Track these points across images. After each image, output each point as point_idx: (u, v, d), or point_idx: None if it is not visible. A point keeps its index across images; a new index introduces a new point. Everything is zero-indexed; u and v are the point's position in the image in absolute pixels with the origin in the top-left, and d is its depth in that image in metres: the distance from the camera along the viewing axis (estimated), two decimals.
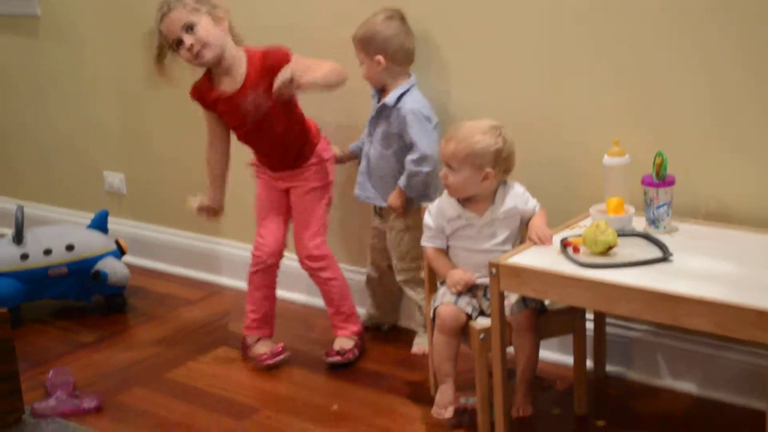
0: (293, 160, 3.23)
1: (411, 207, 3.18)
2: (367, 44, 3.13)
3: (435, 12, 3.20)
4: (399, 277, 3.30)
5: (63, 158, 4.58)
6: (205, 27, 3.05)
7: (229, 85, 3.12)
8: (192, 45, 3.03)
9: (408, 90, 3.14)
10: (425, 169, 3.09)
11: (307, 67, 2.98)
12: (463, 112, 3.09)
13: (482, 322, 2.74)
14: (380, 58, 3.11)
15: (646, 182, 2.69)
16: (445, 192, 2.83)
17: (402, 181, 3.15)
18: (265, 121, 3.13)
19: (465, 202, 2.82)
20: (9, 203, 4.74)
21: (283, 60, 3.02)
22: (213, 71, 3.14)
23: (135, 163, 4.31)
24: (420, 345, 3.30)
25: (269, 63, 3.06)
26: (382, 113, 3.17)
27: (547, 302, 2.76)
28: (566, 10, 2.93)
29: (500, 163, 2.76)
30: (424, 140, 3.09)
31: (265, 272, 3.32)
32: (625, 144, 2.76)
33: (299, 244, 3.29)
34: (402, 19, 3.14)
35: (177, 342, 3.56)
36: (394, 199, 3.18)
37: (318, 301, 3.52)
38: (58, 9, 4.36)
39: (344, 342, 3.32)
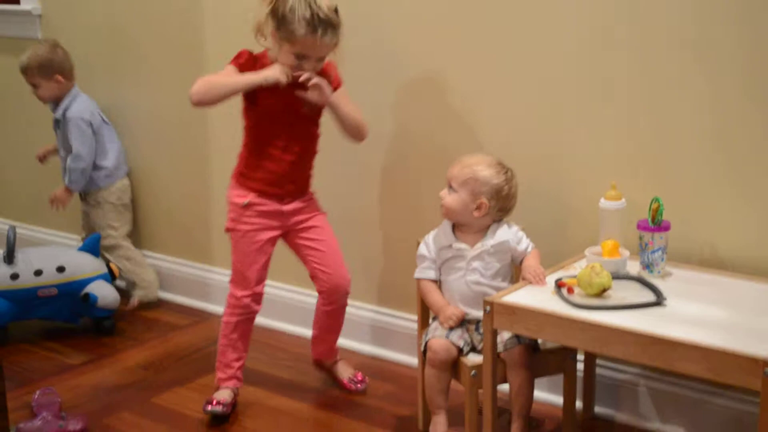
0: (305, 185, 3.17)
1: (87, 192, 4.09)
2: (45, 68, 3.98)
3: (436, 48, 3.25)
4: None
5: (57, 180, 4.56)
6: (325, 62, 3.00)
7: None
8: (304, 73, 2.92)
9: (71, 101, 4.01)
10: (80, 165, 3.96)
11: (343, 97, 3.06)
12: (457, 150, 3.12)
13: (473, 359, 2.75)
14: (59, 77, 3.98)
15: (642, 227, 2.72)
16: (443, 223, 2.88)
17: (66, 179, 4.00)
18: (309, 124, 3.08)
19: (458, 233, 2.86)
20: (1, 223, 4.74)
21: (337, 82, 3.06)
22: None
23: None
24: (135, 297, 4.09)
25: (328, 72, 3.04)
26: (58, 124, 4.04)
27: (539, 341, 2.78)
28: (569, 50, 2.98)
29: (497, 200, 2.80)
30: (79, 142, 3.95)
31: (251, 320, 3.23)
32: (622, 188, 2.79)
33: (340, 277, 3.19)
34: (60, 45, 4.05)
35: (165, 367, 3.55)
36: (60, 193, 4.04)
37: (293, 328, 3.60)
38: (59, 33, 4.38)
39: (348, 368, 3.37)
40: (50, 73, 4.00)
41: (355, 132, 3.11)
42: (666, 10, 2.78)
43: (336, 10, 2.92)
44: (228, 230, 3.18)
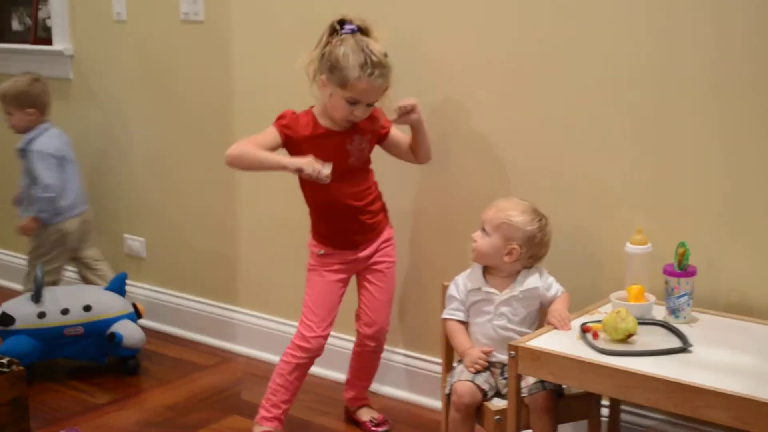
0: (375, 228, 3.19)
1: (46, 227, 4.09)
2: (20, 99, 4.07)
3: (467, 90, 3.27)
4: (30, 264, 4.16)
5: None
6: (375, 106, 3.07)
7: (336, 126, 3.06)
8: (358, 118, 3.01)
9: (39, 134, 4.07)
10: (48, 195, 4.01)
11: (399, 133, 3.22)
12: (485, 192, 3.13)
13: (497, 404, 2.74)
14: (31, 110, 4.09)
15: (668, 272, 2.70)
16: (473, 266, 2.89)
17: (34, 209, 4.05)
18: (357, 171, 3.11)
19: (488, 276, 2.86)
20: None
21: (386, 120, 3.15)
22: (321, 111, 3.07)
23: (156, 228, 4.35)
24: None
25: (375, 115, 3.10)
26: (22, 154, 4.07)
27: (564, 386, 2.76)
28: (598, 94, 2.98)
29: (529, 247, 2.80)
30: (44, 173, 4.00)
31: (311, 364, 3.23)
32: (648, 232, 2.78)
33: (381, 320, 3.27)
34: (42, 80, 4.15)
35: (189, 408, 3.55)
36: (29, 222, 4.07)
37: (317, 370, 3.57)
38: (91, 74, 4.44)
39: (372, 411, 3.39)
40: (24, 105, 4.09)
41: (428, 152, 3.21)
42: (696, 55, 2.78)
43: (386, 55, 2.96)
44: (307, 270, 3.21)
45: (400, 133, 3.20)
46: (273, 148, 3.02)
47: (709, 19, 2.75)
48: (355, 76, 2.91)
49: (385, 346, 3.52)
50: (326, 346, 3.31)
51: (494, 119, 3.22)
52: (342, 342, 3.52)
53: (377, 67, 2.92)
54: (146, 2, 4.19)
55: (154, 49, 4.19)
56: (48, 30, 4.58)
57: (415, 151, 3.19)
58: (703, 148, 2.81)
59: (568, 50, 3.02)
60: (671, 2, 2.81)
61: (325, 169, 2.89)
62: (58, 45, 4.53)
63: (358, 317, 3.30)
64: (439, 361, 3.07)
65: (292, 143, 3.04)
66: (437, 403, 3.32)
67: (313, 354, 3.18)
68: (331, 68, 2.95)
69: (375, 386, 3.54)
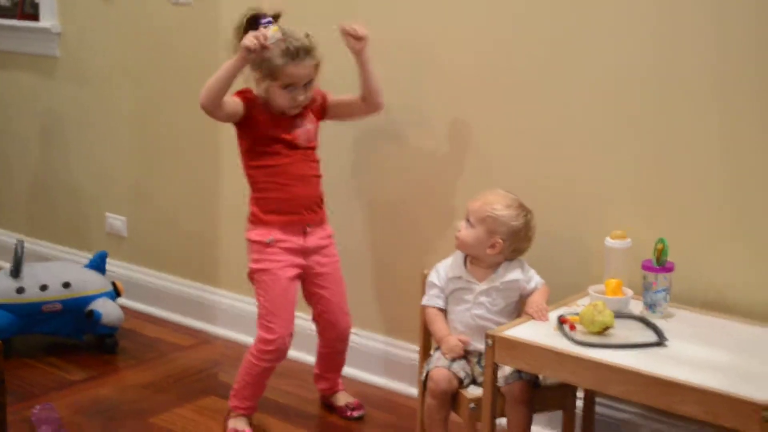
0: (319, 208, 3.16)
1: None
2: None
3: (453, 89, 3.28)
4: None
5: (67, 197, 4.61)
6: (314, 85, 3.08)
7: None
8: (302, 100, 3.03)
9: None
10: None
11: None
12: (464, 186, 3.14)
13: (473, 392, 2.75)
14: None
15: (646, 267, 2.72)
16: (455, 254, 2.90)
17: None
18: (307, 151, 3.12)
19: (470, 265, 2.87)
20: (9, 237, 4.76)
21: (323, 96, 3.17)
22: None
23: (138, 208, 4.34)
24: None
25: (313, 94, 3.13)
26: None
27: (540, 377, 2.78)
28: (585, 92, 2.99)
29: (513, 241, 2.82)
30: None
31: (278, 363, 3.20)
32: (629, 228, 2.80)
33: (343, 317, 3.26)
34: None
35: (165, 387, 3.55)
36: None
37: (294, 354, 3.55)
38: (77, 52, 4.43)
39: (347, 396, 3.39)
40: None
41: (377, 93, 3.14)
42: (680, 56, 2.80)
43: (308, 35, 3.01)
44: (252, 272, 3.14)
45: (340, 96, 3.20)
46: (233, 112, 3.03)
47: (709, 19, 2.76)
48: (281, 65, 2.96)
49: (363, 332, 3.55)
50: (305, 330, 3.33)
51: (481, 115, 3.23)
52: None
53: (300, 50, 2.97)
54: None
55: (142, 30, 4.18)
56: (35, 6, 4.55)
57: (364, 93, 3.14)
58: (688, 147, 2.82)
59: (557, 50, 3.03)
60: (669, 5, 2.82)
61: (269, 30, 2.91)
62: (45, 22, 4.50)
63: (317, 322, 3.29)
64: (417, 348, 3.09)
65: (250, 116, 3.05)
66: (414, 390, 3.33)
67: (280, 355, 3.13)
68: (257, 65, 2.98)
69: (352, 372, 3.55)
